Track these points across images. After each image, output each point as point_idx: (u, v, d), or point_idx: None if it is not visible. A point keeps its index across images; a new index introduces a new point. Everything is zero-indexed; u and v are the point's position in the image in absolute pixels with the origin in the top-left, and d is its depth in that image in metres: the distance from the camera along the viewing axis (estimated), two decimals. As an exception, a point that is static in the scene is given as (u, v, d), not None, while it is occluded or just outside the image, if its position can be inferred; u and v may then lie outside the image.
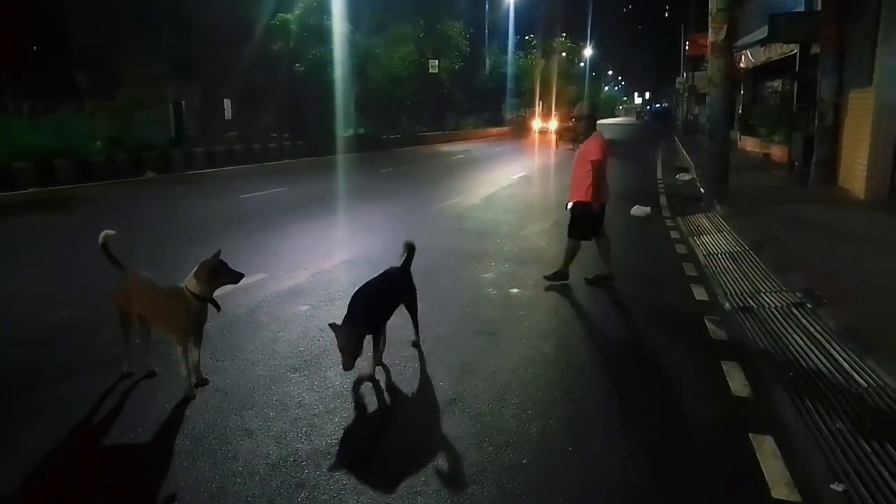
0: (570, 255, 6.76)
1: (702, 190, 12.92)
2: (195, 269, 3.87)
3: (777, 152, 17.94)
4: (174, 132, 19.92)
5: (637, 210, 10.96)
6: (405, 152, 26.46)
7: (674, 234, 9.53)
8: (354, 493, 3.01)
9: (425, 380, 4.31)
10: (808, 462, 3.30)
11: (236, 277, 4.00)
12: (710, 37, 11.22)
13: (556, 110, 42.71)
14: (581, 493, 3.05)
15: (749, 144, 22.16)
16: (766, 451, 3.42)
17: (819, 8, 13.01)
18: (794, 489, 3.08)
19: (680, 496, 3.11)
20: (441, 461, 3.30)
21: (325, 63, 22.56)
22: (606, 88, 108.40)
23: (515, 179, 16.47)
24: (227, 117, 31.10)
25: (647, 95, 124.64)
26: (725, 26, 10.92)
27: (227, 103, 31.67)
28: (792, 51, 16.89)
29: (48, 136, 15.03)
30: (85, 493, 3.07)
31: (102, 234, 4.10)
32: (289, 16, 22.52)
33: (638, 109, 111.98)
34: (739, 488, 3.14)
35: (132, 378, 4.18)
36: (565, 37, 66.26)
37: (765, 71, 21.55)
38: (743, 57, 22.26)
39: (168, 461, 3.28)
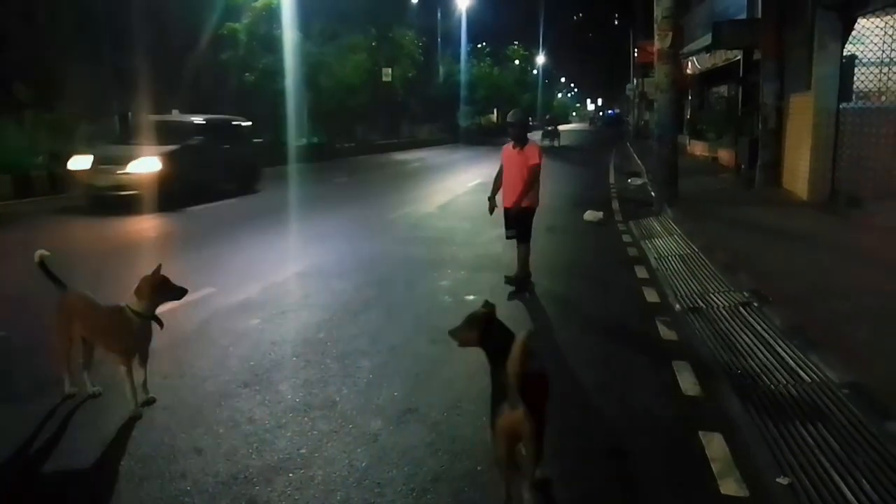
0: (526, 257, 6.88)
1: (653, 194, 13.18)
2: (135, 286, 3.76)
3: (724, 156, 18.45)
4: (120, 139, 19.24)
5: (589, 215, 11.11)
6: (360, 161, 26.33)
7: (626, 238, 9.69)
8: (307, 508, 2.96)
9: (379, 390, 4.26)
10: (755, 457, 3.38)
11: (179, 293, 3.90)
12: (657, 43, 11.48)
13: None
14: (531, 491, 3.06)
15: (698, 149, 22.75)
16: (715, 447, 3.49)
17: (759, 16, 13.43)
18: (743, 484, 3.15)
19: (632, 495, 3.16)
20: (395, 472, 3.26)
21: (276, 72, 22.31)
22: (560, 95, 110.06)
23: (471, 187, 16.51)
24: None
25: (600, 102, 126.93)
26: (671, 33, 11.19)
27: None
28: (736, 57, 17.42)
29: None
30: (22, 521, 2.94)
31: (38, 253, 3.96)
32: (237, 25, 22.20)
33: (591, 116, 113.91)
34: (690, 486, 3.20)
35: (75, 399, 4.03)
36: (518, 45, 67.11)
37: (711, 76, 22.17)
38: (690, 63, 22.88)
39: (113, 483, 3.18)
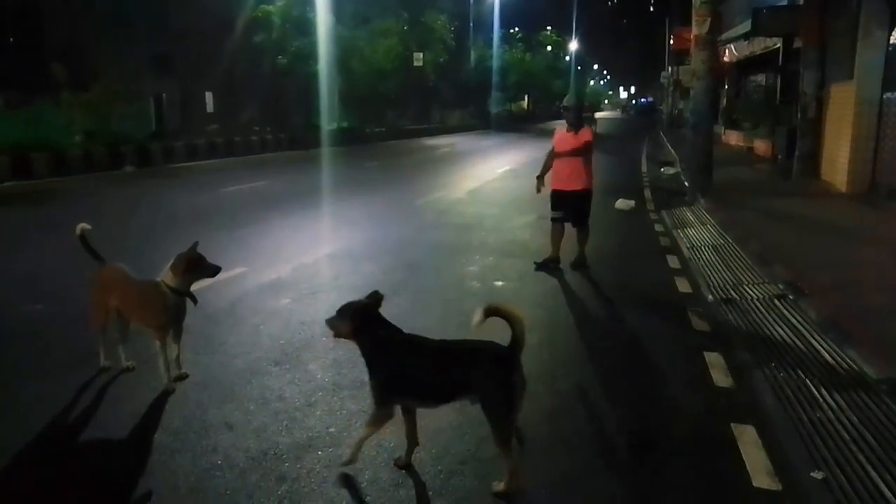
0: (558, 239, 6.98)
1: (686, 184, 12.97)
2: (171, 263, 3.81)
3: (760, 146, 18.06)
4: (154, 126, 19.62)
5: (621, 203, 10.99)
6: (390, 146, 26.34)
7: (658, 227, 9.56)
8: (335, 485, 2.98)
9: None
10: (788, 451, 3.31)
11: (213, 270, 3.94)
12: (694, 30, 11.25)
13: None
14: (562, 483, 3.05)
15: (733, 138, 22.31)
16: (748, 440, 3.43)
17: (801, 2, 13.07)
18: (775, 478, 3.09)
19: (663, 486, 3.11)
20: (423, 453, 3.27)
21: (308, 56, 22.37)
22: (592, 83, 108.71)
23: (500, 173, 16.46)
24: (208, 110, 30.84)
25: (633, 90, 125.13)
26: (709, 19, 10.94)
27: (208, 97, 31.40)
28: (775, 45, 17.00)
29: (24, 128, 14.81)
30: (61, 489, 3.01)
31: (79, 226, 4.04)
32: (271, 7, 22.27)
33: (624, 104, 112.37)
34: (722, 478, 3.15)
35: (109, 372, 4.12)
36: (550, 30, 66.35)
37: (748, 65, 21.69)
38: (727, 51, 22.38)
39: (146, 456, 3.22)
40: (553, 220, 7.03)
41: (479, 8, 45.54)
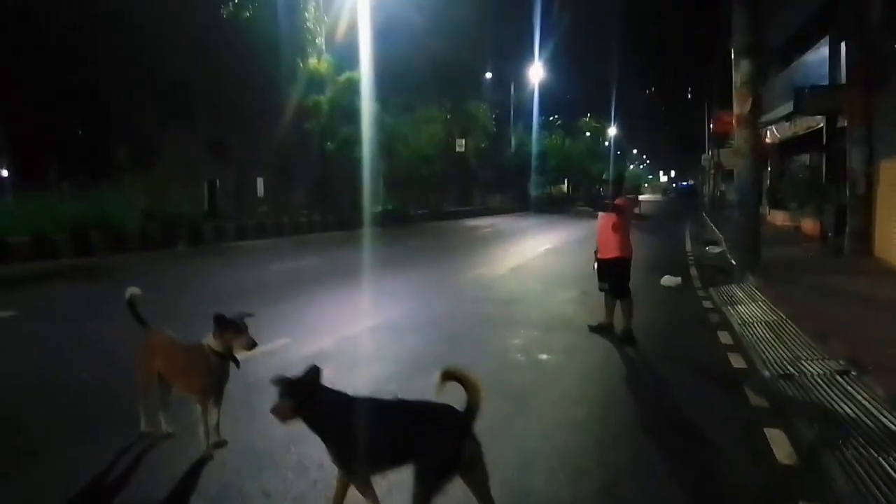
0: (628, 313, 6.97)
1: (732, 262, 12.71)
2: (215, 327, 3.83)
3: (808, 225, 17.70)
4: (207, 206, 20.36)
5: (667, 280, 10.78)
6: (432, 226, 26.70)
7: (706, 304, 9.29)
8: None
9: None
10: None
11: (250, 343, 3.88)
12: (736, 109, 11.30)
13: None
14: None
15: (779, 218, 21.95)
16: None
17: (843, 81, 13.08)
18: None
19: None
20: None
21: (355, 141, 23.20)
22: (631, 167, 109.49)
23: (541, 251, 16.42)
24: (259, 195, 32.00)
25: (673, 174, 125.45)
26: (751, 99, 11.00)
27: (259, 182, 32.66)
28: (818, 125, 16.93)
29: (87, 209, 15.54)
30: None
31: (128, 290, 4.11)
32: (321, 97, 23.36)
33: (664, 187, 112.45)
34: None
35: (150, 438, 4.08)
36: (590, 117, 67.67)
37: (791, 146, 21.60)
38: (769, 133, 22.38)
39: (182, 522, 3.14)
40: (600, 290, 7.20)
41: (520, 96, 46.94)
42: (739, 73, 11.14)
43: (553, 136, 52.31)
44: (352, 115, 23.23)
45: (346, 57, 23.20)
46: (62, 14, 24.11)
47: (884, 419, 4.41)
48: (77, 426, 4.36)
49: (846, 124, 12.51)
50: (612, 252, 6.98)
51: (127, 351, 4.33)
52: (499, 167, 43.67)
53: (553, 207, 45.08)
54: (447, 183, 37.15)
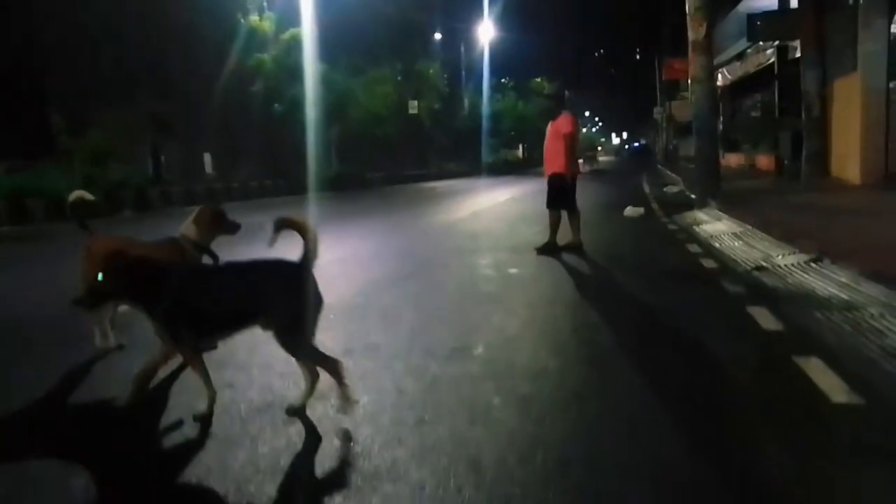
0: (555, 226, 7.14)
1: (692, 197, 12.72)
2: (193, 215, 3.52)
3: (763, 161, 17.93)
4: (152, 173, 19.50)
5: (630, 211, 10.72)
6: (388, 189, 26.24)
7: (671, 227, 9.25)
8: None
9: (425, 336, 3.91)
10: (862, 373, 2.96)
11: (234, 228, 3.67)
12: (690, 35, 11.16)
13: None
14: (629, 422, 2.67)
15: (733, 161, 22.21)
16: (815, 368, 3.07)
17: (795, 5, 13.09)
18: (854, 394, 2.73)
19: (741, 406, 2.80)
20: (448, 397, 2.90)
21: (304, 102, 22.48)
22: (584, 130, 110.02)
23: (502, 200, 16.24)
24: (207, 171, 30.91)
25: (625, 135, 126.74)
26: (705, 23, 10.89)
27: (206, 157, 31.51)
28: (769, 60, 17.06)
29: (23, 181, 14.73)
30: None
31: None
32: (265, 56, 22.52)
33: (617, 148, 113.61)
34: (797, 397, 2.79)
35: (103, 353, 3.71)
36: (541, 79, 67.47)
37: (742, 87, 21.76)
38: (720, 76, 22.51)
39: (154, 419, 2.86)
40: (547, 206, 7.29)
41: (472, 56, 46.36)
42: (693, -3, 11.00)
43: (506, 99, 51.88)
44: (298, 74, 22.43)
45: (290, 15, 22.38)
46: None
47: (861, 289, 4.35)
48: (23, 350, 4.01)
49: (799, 49, 12.55)
50: (554, 167, 7.08)
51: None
52: (454, 130, 43.15)
53: (509, 171, 44.96)
54: (402, 147, 36.58)
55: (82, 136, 18.01)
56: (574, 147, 7.11)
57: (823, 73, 11.60)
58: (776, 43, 15.64)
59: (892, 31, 9.71)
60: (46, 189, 14.57)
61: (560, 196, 7.12)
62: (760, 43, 16.92)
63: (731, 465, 2.22)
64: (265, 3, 22.82)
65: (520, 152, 64.84)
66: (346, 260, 7.11)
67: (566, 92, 7.77)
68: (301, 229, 2.76)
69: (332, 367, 2.73)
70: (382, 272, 6.16)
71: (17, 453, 2.58)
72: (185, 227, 3.55)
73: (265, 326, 2.75)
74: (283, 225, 2.76)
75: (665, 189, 16.76)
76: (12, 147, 23.32)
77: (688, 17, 11.42)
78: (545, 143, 7.24)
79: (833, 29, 11.25)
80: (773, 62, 16.64)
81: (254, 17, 22.50)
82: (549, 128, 7.22)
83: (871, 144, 9.94)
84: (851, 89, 10.42)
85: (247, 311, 2.74)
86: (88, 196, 3.72)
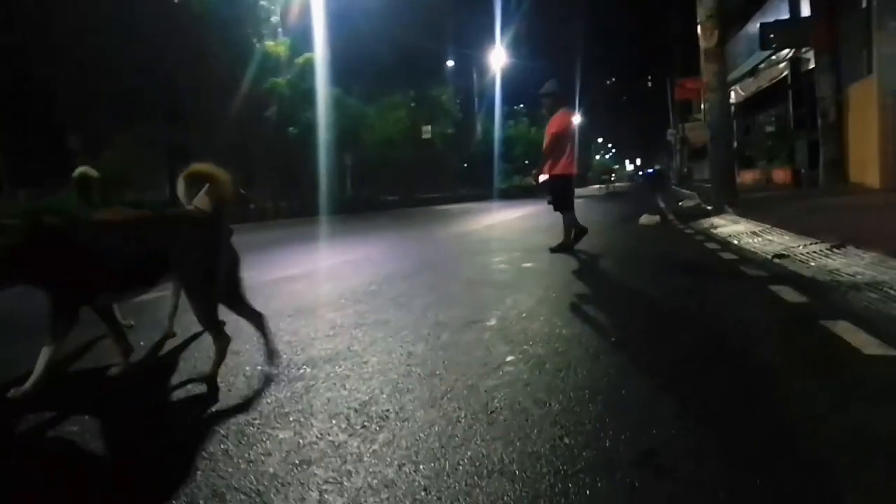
0: (567, 227, 7.01)
1: (708, 208, 12.56)
2: (205, 189, 3.47)
3: (779, 174, 17.73)
4: (169, 194, 19.62)
5: (645, 219, 10.59)
6: (402, 211, 26.35)
7: (688, 231, 9.10)
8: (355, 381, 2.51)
9: (436, 312, 3.82)
10: (892, 331, 2.82)
11: (246, 200, 3.62)
12: (702, 44, 11.15)
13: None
14: (666, 375, 2.55)
15: (749, 177, 22.01)
16: (845, 329, 2.95)
17: (806, 14, 13.04)
18: (887, 346, 2.59)
19: (768, 358, 2.68)
20: (460, 357, 2.80)
21: (318, 126, 22.68)
22: (598, 157, 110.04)
23: (516, 216, 16.17)
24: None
25: (639, 162, 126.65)
26: (717, 31, 10.87)
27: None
28: (782, 74, 16.97)
29: (41, 204, 14.91)
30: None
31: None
32: (280, 80, 22.81)
33: (631, 174, 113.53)
34: (829, 351, 2.67)
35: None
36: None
37: (755, 104, 21.64)
38: (733, 93, 22.44)
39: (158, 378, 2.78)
40: (548, 202, 7.26)
41: (483, 82, 46.72)
42: (704, 6, 11.00)
43: (517, 124, 52.14)
44: (312, 98, 22.72)
45: (304, 40, 22.71)
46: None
47: (886, 266, 4.20)
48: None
49: (813, 57, 12.47)
50: (555, 169, 6.98)
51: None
52: (467, 154, 43.33)
53: (523, 195, 44.96)
54: (416, 172, 36.74)
55: (98, 159, 18.24)
56: (562, 146, 6.92)
57: (838, 79, 11.50)
58: (789, 55, 15.58)
59: (907, 32, 9.63)
60: (63, 209, 14.74)
61: (559, 196, 7.03)
62: (773, 57, 16.90)
63: (762, 410, 2.10)
64: (280, 30, 23.17)
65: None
66: (356, 262, 7.05)
67: (557, 88, 7.43)
68: (209, 177, 2.62)
69: (223, 344, 2.63)
70: (394, 268, 6.10)
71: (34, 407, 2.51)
72: (198, 199, 3.50)
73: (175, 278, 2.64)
74: (192, 175, 2.67)
75: (680, 203, 16.59)
76: (29, 172, 23.72)
77: (699, 26, 11.42)
78: (543, 144, 7.16)
79: (846, 33, 11.18)
80: (787, 75, 16.54)
81: (269, 43, 22.83)
82: (546, 128, 7.11)
83: (890, 148, 9.78)
84: (867, 93, 10.30)
85: (146, 267, 2.57)
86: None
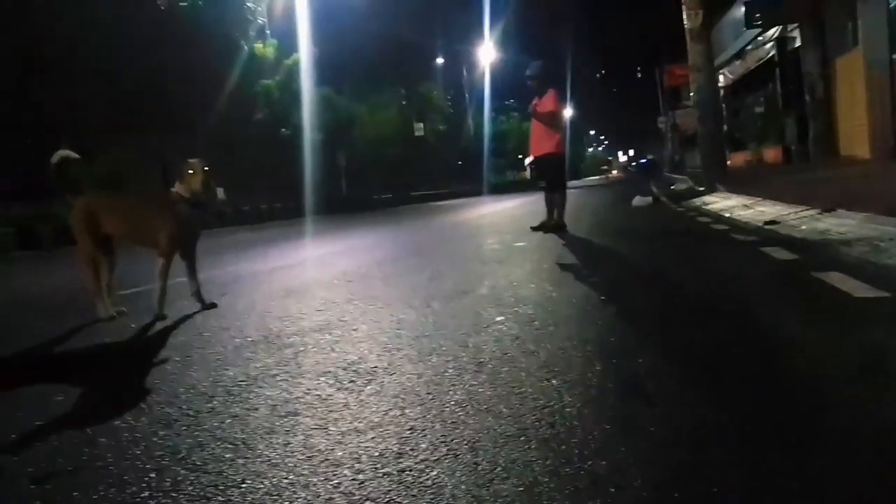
0: (562, 205, 7.04)
1: (699, 189, 12.57)
2: (183, 171, 3.46)
3: (770, 153, 17.73)
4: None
5: (638, 200, 10.63)
6: (397, 209, 26.35)
7: (680, 209, 9.12)
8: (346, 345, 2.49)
9: (427, 287, 3.81)
10: (883, 276, 2.84)
11: (218, 182, 3.64)
12: (686, 24, 11.15)
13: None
14: (658, 332, 2.54)
15: (739, 158, 22.00)
16: (836, 278, 2.96)
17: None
18: (877, 290, 2.59)
19: (762, 303, 2.71)
20: (454, 322, 2.79)
21: (309, 126, 22.59)
22: (591, 150, 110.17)
23: (508, 207, 16.18)
24: (219, 197, 31.03)
25: (632, 152, 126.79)
26: (701, 11, 10.88)
27: (218, 192, 31.62)
28: (768, 54, 16.96)
29: (33, 212, 14.89)
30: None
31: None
32: (270, 82, 22.72)
33: (624, 165, 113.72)
34: (820, 296, 2.68)
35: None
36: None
37: (744, 85, 21.63)
38: (722, 77, 22.44)
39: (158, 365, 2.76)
40: (539, 188, 7.28)
41: (473, 78, 46.68)
42: (688, -15, 11.00)
43: (509, 119, 52.13)
44: (303, 99, 22.65)
45: (292, 41, 22.64)
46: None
47: (876, 224, 4.20)
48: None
49: (799, 35, 12.46)
50: (545, 148, 6.96)
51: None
52: (460, 150, 43.29)
53: (516, 189, 44.97)
54: (409, 168, 36.66)
55: (90, 164, 18.16)
56: (557, 125, 6.97)
57: (824, 54, 11.50)
58: (775, 35, 15.56)
59: (890, 2, 9.61)
60: (55, 216, 14.67)
61: (555, 175, 7.05)
62: (759, 38, 16.89)
63: (751, 345, 2.09)
64: (267, 31, 23.08)
65: (528, 173, 64.67)
66: (349, 249, 7.05)
67: (542, 69, 7.37)
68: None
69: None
70: (387, 253, 6.11)
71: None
72: (177, 186, 3.49)
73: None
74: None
75: (672, 187, 16.62)
76: (20, 181, 23.52)
77: (683, 7, 11.41)
78: (531, 125, 7.17)
79: (831, 7, 11.17)
80: (773, 55, 16.53)
81: (257, 45, 22.74)
82: (533, 108, 7.02)
83: (878, 119, 9.79)
84: (854, 65, 10.31)
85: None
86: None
